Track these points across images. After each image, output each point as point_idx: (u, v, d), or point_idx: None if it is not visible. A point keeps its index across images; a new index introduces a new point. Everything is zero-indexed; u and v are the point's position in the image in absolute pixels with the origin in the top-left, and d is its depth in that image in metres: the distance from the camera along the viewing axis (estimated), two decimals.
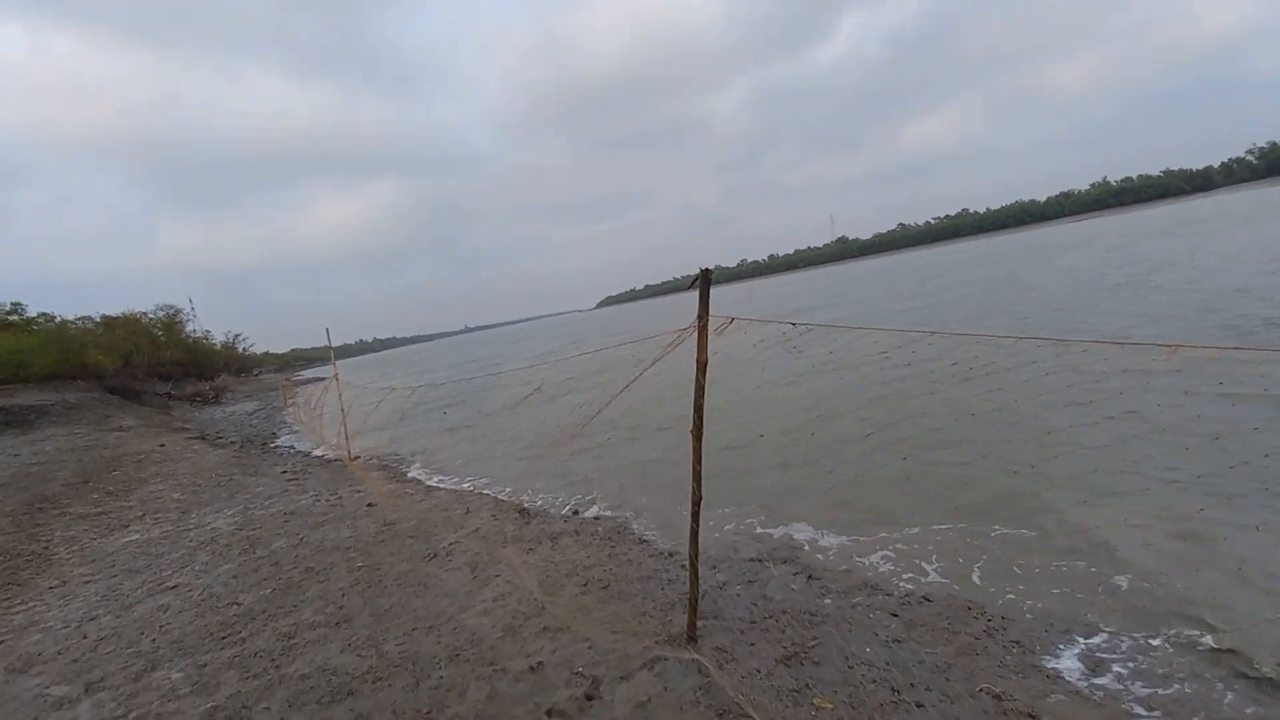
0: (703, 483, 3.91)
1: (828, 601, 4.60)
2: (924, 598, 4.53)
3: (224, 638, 5.09)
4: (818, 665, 3.78)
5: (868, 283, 50.03)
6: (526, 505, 8.18)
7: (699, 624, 4.26)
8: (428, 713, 3.77)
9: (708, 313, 3.48)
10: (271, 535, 7.81)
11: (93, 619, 5.81)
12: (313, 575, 6.26)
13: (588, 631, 4.46)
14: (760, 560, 5.50)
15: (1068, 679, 3.45)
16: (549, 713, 3.60)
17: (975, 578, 4.74)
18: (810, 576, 5.03)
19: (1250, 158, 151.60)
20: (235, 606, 5.71)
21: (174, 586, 6.41)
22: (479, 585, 5.51)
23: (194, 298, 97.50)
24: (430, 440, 15.04)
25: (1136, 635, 3.79)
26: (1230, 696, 3.20)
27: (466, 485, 9.96)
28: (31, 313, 40.48)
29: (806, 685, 3.59)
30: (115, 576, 6.93)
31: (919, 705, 3.32)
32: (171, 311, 53.50)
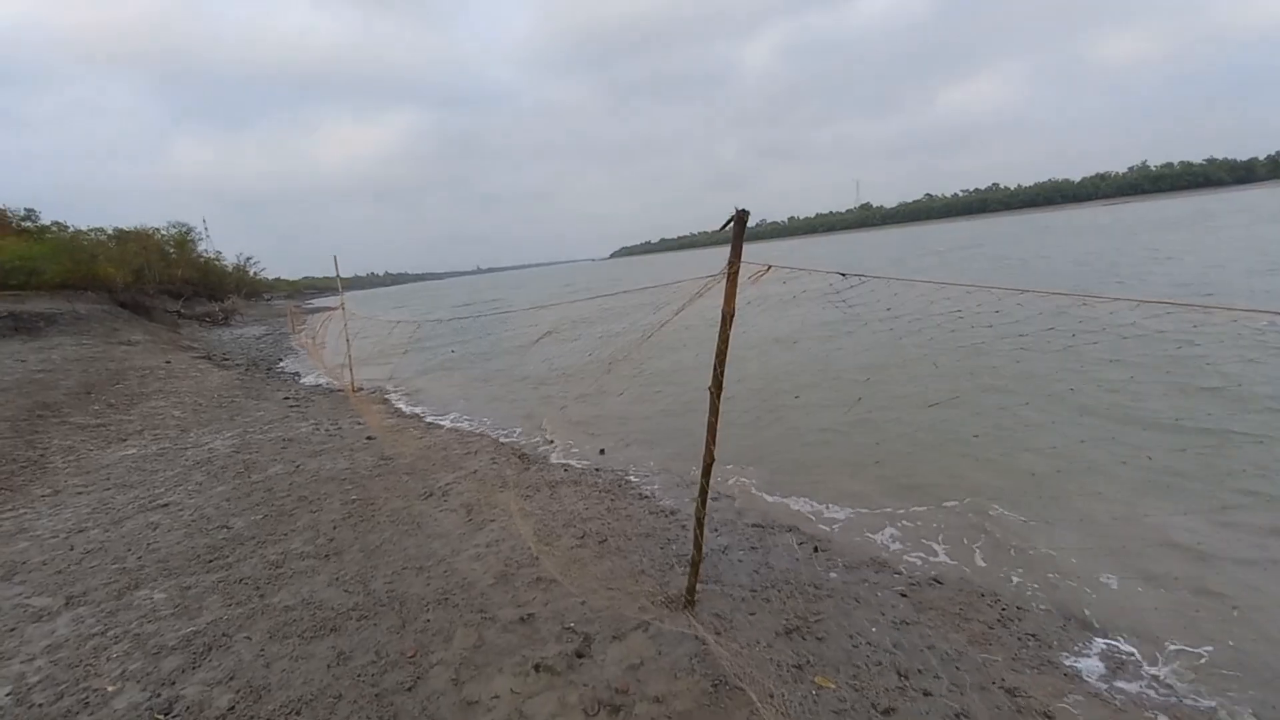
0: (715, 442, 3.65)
1: (833, 576, 4.40)
2: (934, 579, 4.32)
3: (211, 561, 4.98)
4: (820, 641, 3.60)
5: (900, 250, 48.97)
6: (527, 450, 8.02)
7: (698, 588, 4.08)
8: (411, 655, 3.64)
9: (740, 259, 3.15)
10: (268, 460, 7.70)
11: (81, 531, 5.73)
12: (305, 504, 6.14)
13: (581, 586, 4.30)
14: (764, 527, 5.30)
15: (1087, 680, 3.25)
16: (536, 667, 3.45)
17: (988, 562, 4.53)
18: (816, 548, 4.83)
19: None
20: (225, 530, 5.61)
21: (166, 505, 6.32)
22: (473, 529, 5.36)
23: (207, 218, 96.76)
24: (435, 377, 14.90)
25: (1171, 641, 3.56)
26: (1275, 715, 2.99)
27: (467, 425, 9.82)
28: (45, 221, 40.34)
29: (807, 661, 3.41)
30: (109, 490, 6.86)
31: (926, 694, 3.13)
32: (184, 229, 53.10)
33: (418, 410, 11.30)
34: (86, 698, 3.37)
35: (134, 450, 8.48)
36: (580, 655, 3.55)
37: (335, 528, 5.54)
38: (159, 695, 3.37)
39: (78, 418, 10.13)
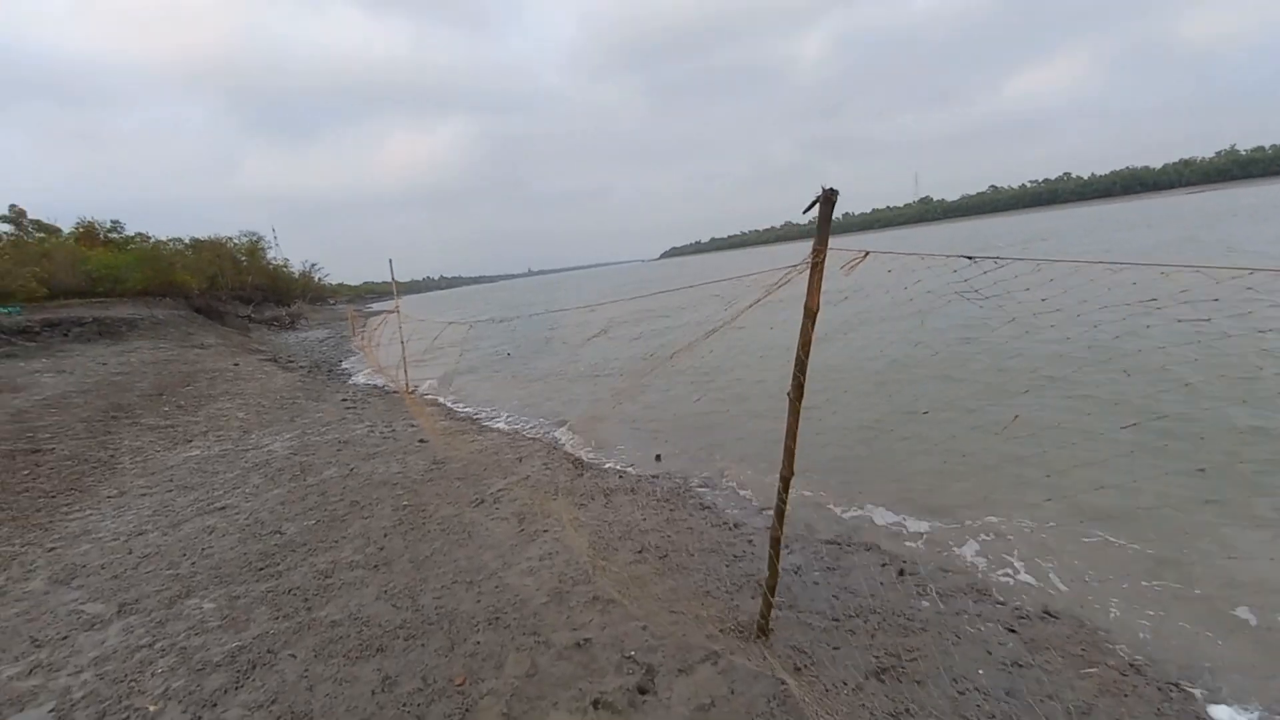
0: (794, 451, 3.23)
1: (925, 604, 3.89)
2: (1046, 612, 3.76)
3: (262, 569, 4.86)
4: (919, 685, 3.12)
5: (969, 245, 46.74)
6: (580, 454, 7.74)
7: (772, 614, 3.66)
8: (460, 683, 3.35)
9: (826, 246, 2.73)
10: (323, 463, 7.66)
11: (141, 534, 5.74)
12: (357, 510, 6.00)
13: (642, 608, 3.94)
14: (840, 544, 4.82)
15: None
16: (595, 703, 3.11)
17: (1109, 594, 3.93)
18: (902, 570, 4.32)
19: None
20: (278, 536, 5.51)
21: (223, 508, 6.30)
22: (526, 540, 5.08)
23: (272, 227, 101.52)
24: (487, 378, 14.87)
25: None
26: None
27: (519, 427, 9.62)
28: (129, 232, 42.93)
29: (906, 710, 2.95)
30: (170, 491, 6.92)
31: None
32: (255, 238, 55.65)
33: (470, 411, 11.21)
34: (128, 717, 3.21)
35: (198, 451, 8.63)
36: (643, 691, 3.18)
37: (386, 535, 5.35)
38: (199, 718, 3.18)
39: (148, 419, 10.45)
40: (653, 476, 6.77)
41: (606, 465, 7.31)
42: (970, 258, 2.23)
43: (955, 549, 4.64)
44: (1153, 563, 4.18)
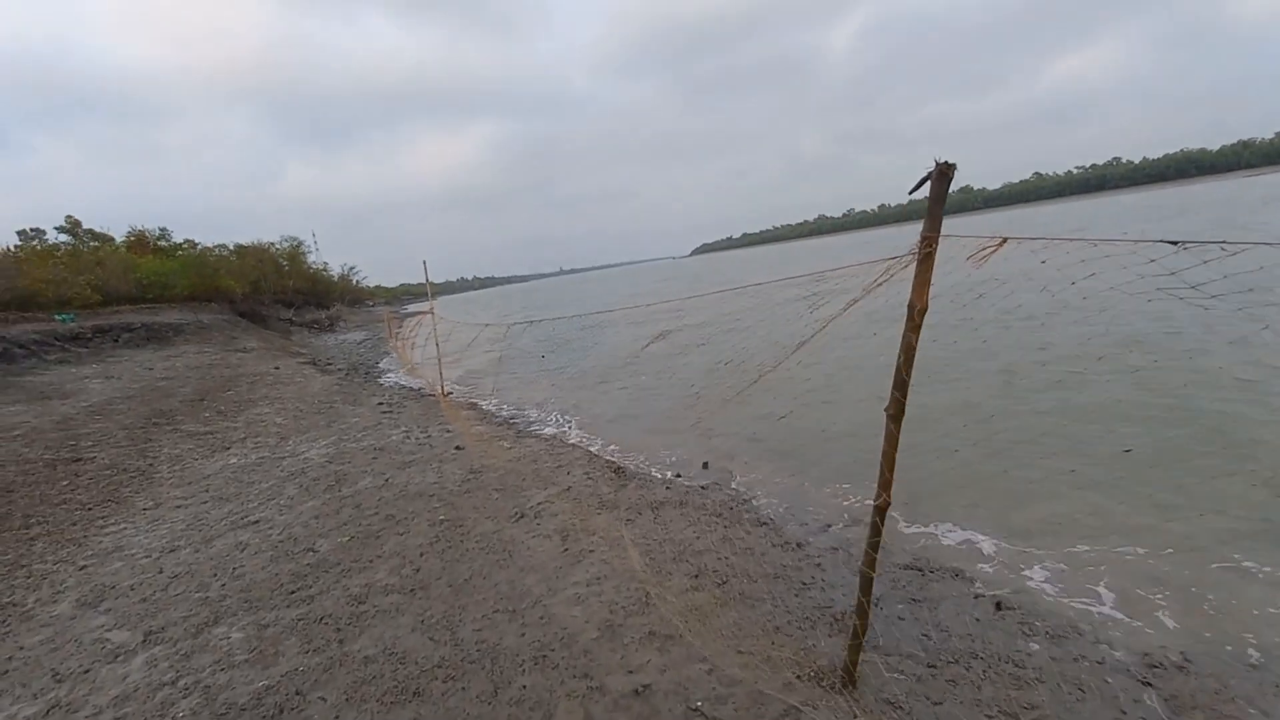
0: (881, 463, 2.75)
1: (1035, 647, 3.36)
2: (1184, 661, 3.19)
3: (293, 592, 4.57)
4: None
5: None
6: (622, 463, 7.32)
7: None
8: None
9: (939, 231, 2.24)
10: (359, 472, 7.42)
11: (173, 550, 5.54)
12: (393, 525, 5.70)
13: (706, 646, 3.50)
14: (922, 571, 4.29)
15: None
16: None
17: (1245, 638, 3.34)
18: (1000, 603, 3.78)
19: None
20: (311, 554, 5.23)
21: (256, 521, 6.08)
22: (570, 561, 4.68)
23: (312, 231, 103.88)
24: (523, 381, 14.59)
25: None
26: None
27: (557, 433, 9.28)
28: (177, 239, 44.23)
29: None
30: (205, 503, 6.75)
31: None
32: (296, 243, 56.81)
33: (506, 415, 10.91)
34: None
35: (235, 459, 8.50)
36: None
37: (422, 554, 5.03)
38: None
39: (189, 425, 10.43)
40: (702, 487, 6.32)
41: (652, 474, 6.88)
42: (1174, 243, 1.71)
43: (1059, 579, 4.08)
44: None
